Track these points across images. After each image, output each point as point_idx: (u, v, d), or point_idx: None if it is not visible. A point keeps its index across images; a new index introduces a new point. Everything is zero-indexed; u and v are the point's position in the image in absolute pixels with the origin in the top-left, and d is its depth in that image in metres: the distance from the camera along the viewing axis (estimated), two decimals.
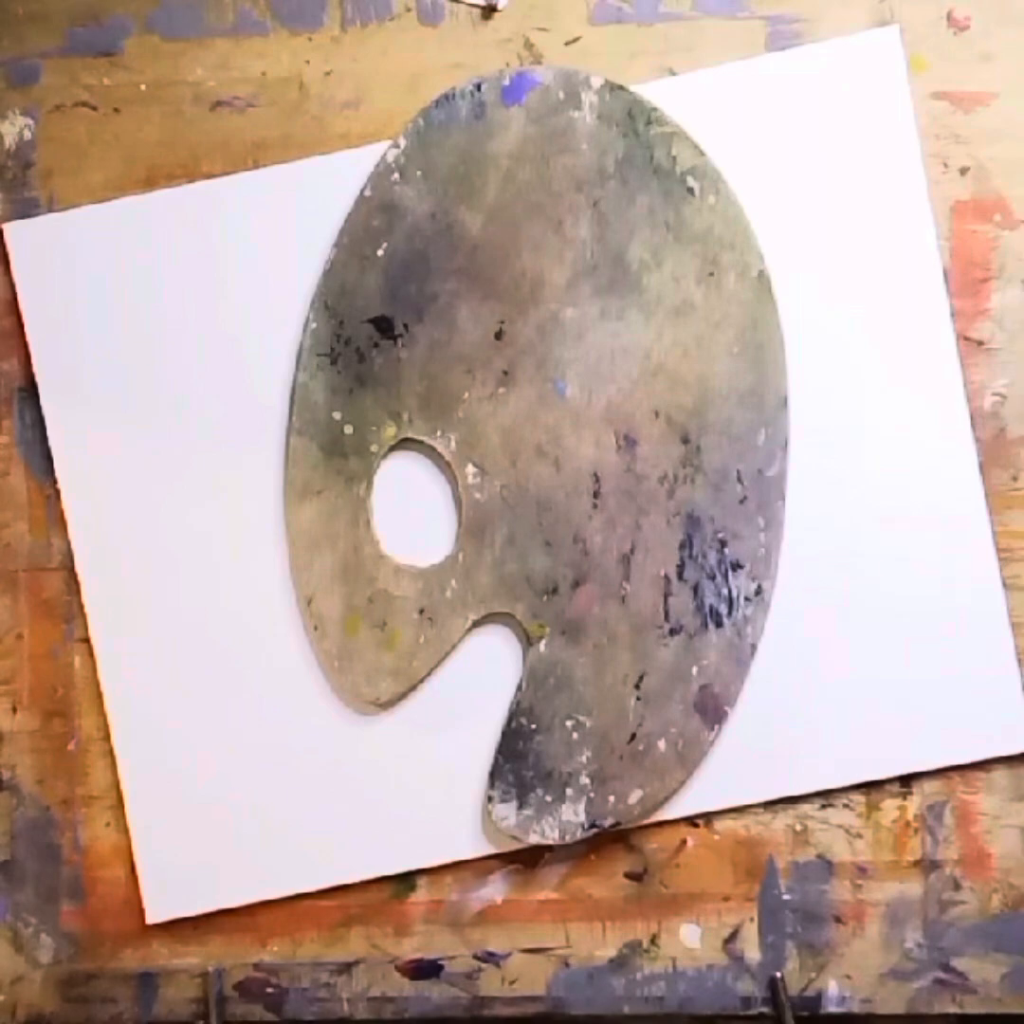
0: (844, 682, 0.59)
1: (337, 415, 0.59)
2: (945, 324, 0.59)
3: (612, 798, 0.58)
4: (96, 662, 0.60)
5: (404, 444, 0.60)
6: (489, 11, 0.60)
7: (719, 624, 0.58)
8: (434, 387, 0.59)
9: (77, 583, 0.60)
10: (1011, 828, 0.59)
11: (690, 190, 0.59)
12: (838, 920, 0.60)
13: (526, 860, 0.60)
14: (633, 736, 0.58)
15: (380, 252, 0.59)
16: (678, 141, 0.59)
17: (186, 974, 0.61)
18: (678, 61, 0.60)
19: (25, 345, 0.60)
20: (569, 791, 0.58)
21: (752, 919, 0.60)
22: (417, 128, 0.59)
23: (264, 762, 0.60)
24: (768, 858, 0.60)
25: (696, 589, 0.58)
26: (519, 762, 0.59)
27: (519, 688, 0.59)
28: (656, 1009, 0.60)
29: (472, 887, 0.60)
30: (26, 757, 0.61)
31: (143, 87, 0.61)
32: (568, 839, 0.58)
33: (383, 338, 0.59)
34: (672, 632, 0.58)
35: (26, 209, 0.61)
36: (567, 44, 0.60)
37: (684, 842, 0.60)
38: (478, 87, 0.59)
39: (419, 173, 0.59)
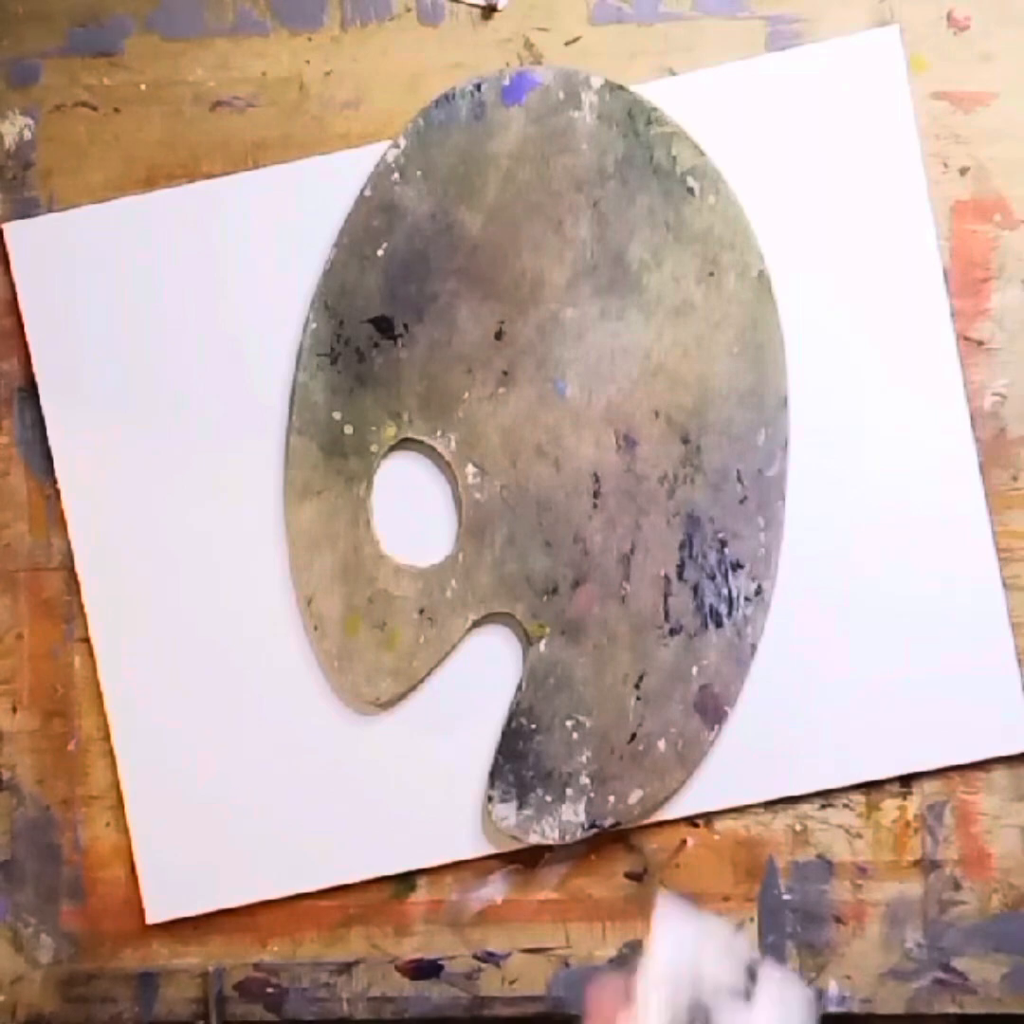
0: (844, 682, 0.59)
1: (337, 415, 0.59)
2: (945, 324, 0.59)
3: (612, 798, 0.58)
4: (96, 662, 0.60)
5: (404, 444, 0.60)
6: (489, 11, 0.60)
7: (719, 624, 0.58)
8: (434, 387, 0.59)
9: (77, 583, 0.60)
10: (1011, 828, 0.59)
11: (690, 190, 0.59)
12: (838, 920, 0.60)
13: (526, 860, 0.60)
14: (633, 736, 0.58)
15: (380, 252, 0.59)
16: (678, 141, 0.59)
17: (186, 974, 0.61)
18: (678, 61, 0.60)
19: (25, 345, 0.60)
20: (569, 791, 0.58)
21: (752, 919, 0.60)
22: (417, 128, 0.59)
23: (264, 762, 0.60)
24: (768, 858, 0.60)
25: (696, 589, 0.58)
26: (519, 762, 0.59)
27: (519, 688, 0.59)
28: None
29: (472, 887, 0.60)
30: (26, 757, 0.61)
31: (143, 87, 0.61)
32: (568, 839, 0.58)
33: (383, 338, 0.59)
34: (672, 632, 0.58)
35: (26, 209, 0.61)
36: (567, 44, 0.60)
37: (684, 842, 0.60)
38: (478, 87, 0.59)
39: (419, 173, 0.59)
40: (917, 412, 0.59)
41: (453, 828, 0.59)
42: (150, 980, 0.61)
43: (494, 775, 0.59)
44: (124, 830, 0.60)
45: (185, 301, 0.60)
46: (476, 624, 0.59)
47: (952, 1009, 0.60)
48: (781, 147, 0.60)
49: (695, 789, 0.59)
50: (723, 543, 0.58)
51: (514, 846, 0.59)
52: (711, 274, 0.59)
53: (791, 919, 0.60)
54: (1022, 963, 0.59)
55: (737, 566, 0.58)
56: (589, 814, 0.58)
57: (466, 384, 0.59)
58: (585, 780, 0.58)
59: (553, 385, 0.59)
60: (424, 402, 0.59)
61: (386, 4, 0.60)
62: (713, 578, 0.58)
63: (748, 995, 0.45)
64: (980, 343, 0.60)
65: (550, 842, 0.58)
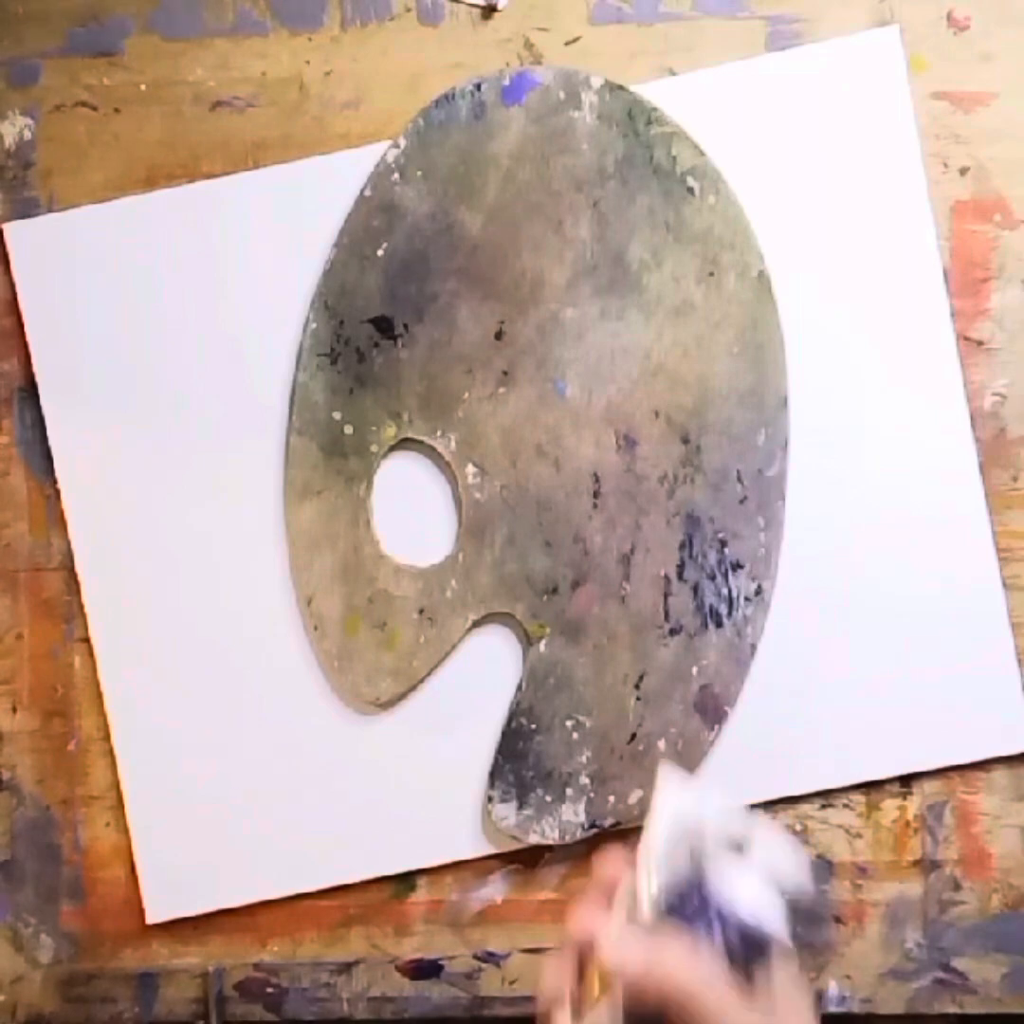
0: (844, 682, 0.59)
1: (337, 415, 0.59)
2: (945, 324, 0.59)
3: (612, 798, 0.58)
4: (96, 662, 0.60)
5: (404, 444, 0.60)
6: (489, 11, 0.60)
7: (719, 624, 0.58)
8: (434, 387, 0.59)
9: (77, 583, 0.60)
10: (1011, 828, 0.59)
11: (690, 190, 0.59)
12: (838, 920, 0.60)
13: (526, 860, 0.60)
14: (633, 736, 0.58)
15: (380, 252, 0.59)
16: (678, 141, 0.59)
17: (186, 974, 0.61)
18: (678, 61, 0.60)
19: (25, 345, 0.60)
20: (569, 791, 0.58)
21: None
22: (417, 128, 0.59)
23: (264, 762, 0.60)
24: None
25: (696, 589, 0.58)
26: (519, 762, 0.59)
27: (519, 688, 0.59)
28: None
29: (472, 887, 0.60)
30: (26, 757, 0.61)
31: (143, 87, 0.61)
32: (568, 839, 0.58)
33: (383, 338, 0.59)
34: (672, 632, 0.58)
35: (26, 209, 0.61)
36: (567, 44, 0.60)
37: None
38: (478, 87, 0.59)
39: (419, 173, 0.59)
40: (917, 412, 0.59)
41: (453, 828, 0.59)
42: (150, 980, 0.61)
43: (494, 775, 0.59)
44: (124, 830, 0.60)
45: (185, 301, 0.60)
46: (476, 624, 0.59)
47: (952, 1009, 0.60)
48: (781, 147, 0.60)
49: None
50: (723, 543, 0.58)
51: (514, 846, 0.59)
52: (711, 274, 0.59)
53: (791, 919, 0.60)
54: (1022, 963, 0.59)
55: (737, 566, 0.58)
56: (589, 814, 0.58)
57: (466, 384, 0.59)
58: (585, 780, 0.58)
59: (553, 385, 0.59)
60: (424, 402, 0.59)
61: (386, 4, 0.60)
62: (713, 578, 0.58)
63: (743, 853, 0.46)
64: (980, 343, 0.60)
65: (550, 842, 0.58)
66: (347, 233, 0.59)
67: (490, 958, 0.60)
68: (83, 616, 0.60)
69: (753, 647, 0.59)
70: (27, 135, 0.61)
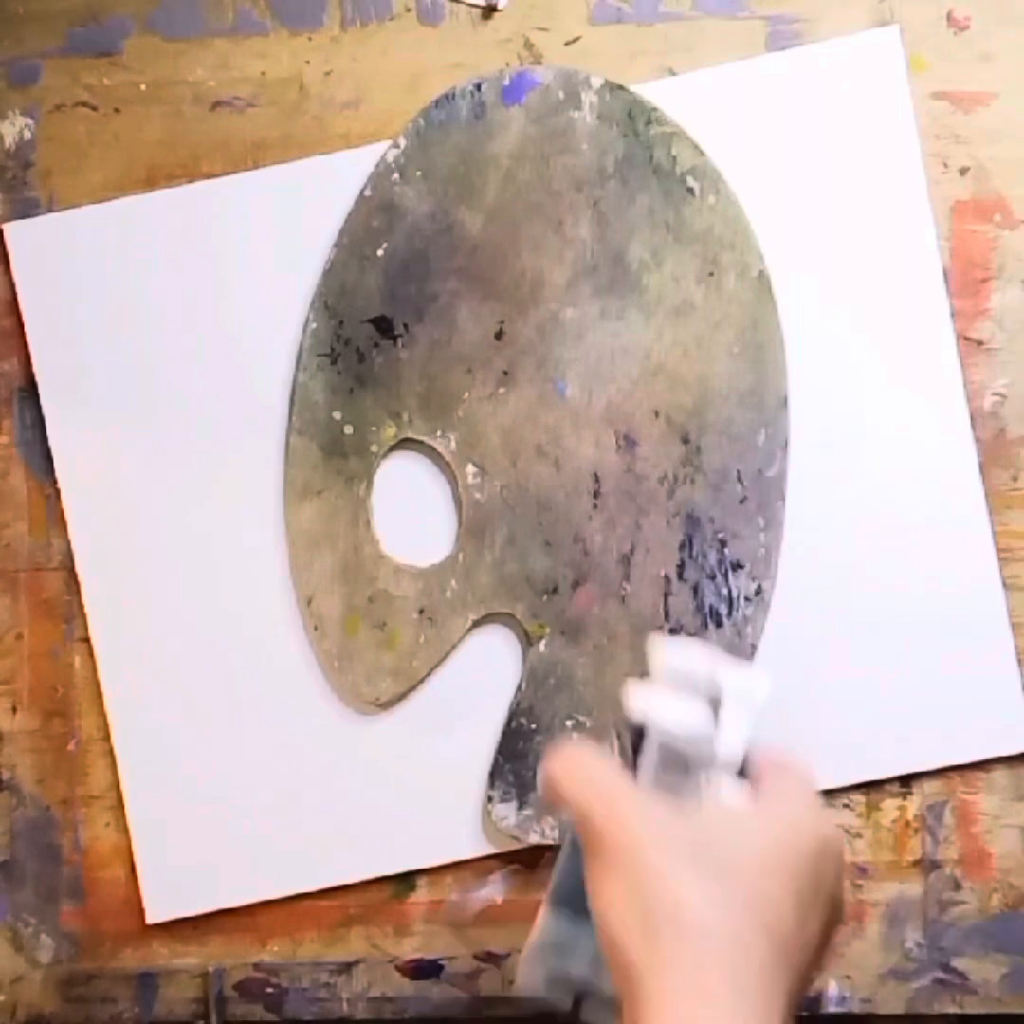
0: (844, 682, 0.59)
1: (337, 415, 0.59)
2: (945, 324, 0.59)
3: None
4: (96, 662, 0.60)
5: (404, 444, 0.60)
6: (489, 11, 0.60)
7: (719, 624, 0.58)
8: (434, 387, 0.59)
9: (77, 583, 0.60)
10: (1011, 828, 0.59)
11: (690, 190, 0.59)
12: None
13: (526, 860, 0.60)
14: None
15: (380, 252, 0.59)
16: (678, 141, 0.59)
17: (186, 974, 0.61)
18: (678, 61, 0.60)
19: (25, 345, 0.60)
20: None
21: None
22: (417, 128, 0.59)
23: (264, 762, 0.60)
24: None
25: (696, 589, 0.58)
26: (519, 762, 0.59)
27: (519, 688, 0.59)
28: None
29: (472, 887, 0.60)
30: (26, 757, 0.61)
31: (143, 87, 0.61)
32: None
33: (383, 338, 0.59)
34: (672, 632, 0.58)
35: (26, 209, 0.61)
36: (567, 44, 0.60)
37: None
38: (478, 87, 0.59)
39: (419, 173, 0.59)
40: (917, 412, 0.59)
41: (453, 828, 0.59)
42: (150, 980, 0.61)
43: (494, 775, 0.59)
44: (124, 830, 0.60)
45: (185, 301, 0.60)
46: (476, 624, 0.59)
47: (952, 1009, 0.60)
48: (781, 147, 0.60)
49: None
50: (723, 543, 0.58)
51: (514, 846, 0.59)
52: (711, 274, 0.59)
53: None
54: (1022, 963, 0.59)
55: (737, 566, 0.58)
56: None
57: (466, 384, 0.59)
58: None
59: (553, 385, 0.59)
60: (424, 402, 0.59)
61: (386, 4, 0.60)
62: (713, 578, 0.58)
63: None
64: (980, 343, 0.60)
65: (550, 842, 0.58)
66: (347, 233, 0.59)
67: (490, 958, 0.60)
68: (83, 616, 0.60)
69: (753, 647, 0.59)
70: (27, 135, 0.61)
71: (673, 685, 0.47)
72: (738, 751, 0.46)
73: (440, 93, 0.59)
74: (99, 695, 0.60)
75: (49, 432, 0.60)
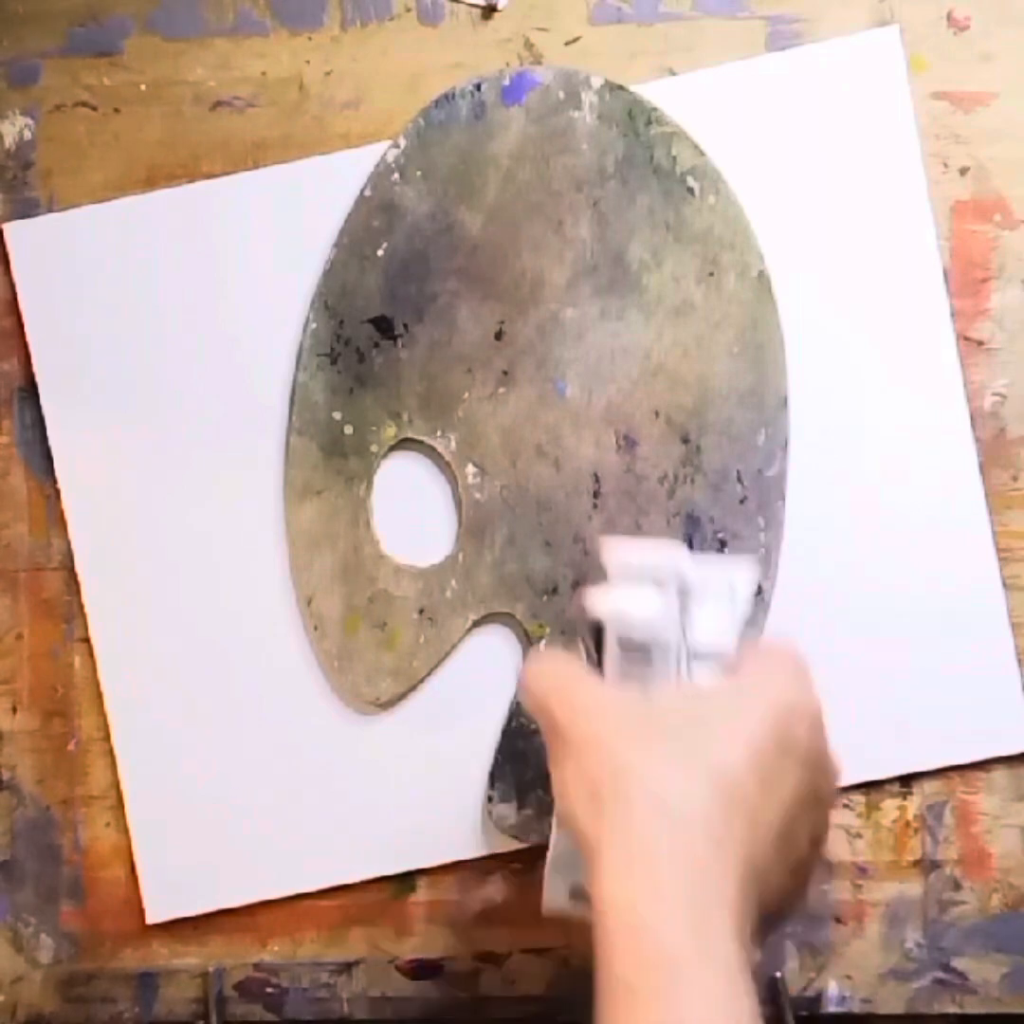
0: (844, 682, 0.59)
1: (337, 415, 0.59)
2: (945, 324, 0.59)
3: None
4: (96, 662, 0.60)
5: (404, 444, 0.60)
6: (489, 11, 0.60)
7: None
8: (434, 387, 0.59)
9: (77, 583, 0.60)
10: (1011, 828, 0.59)
11: (690, 190, 0.59)
12: (838, 920, 0.60)
13: (526, 860, 0.60)
14: None
15: (380, 252, 0.59)
16: (678, 141, 0.59)
17: (186, 974, 0.61)
18: (678, 61, 0.60)
19: (25, 345, 0.60)
20: None
21: None
22: (417, 128, 0.59)
23: (264, 762, 0.60)
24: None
25: None
26: (519, 762, 0.59)
27: (519, 688, 0.59)
28: None
29: (472, 887, 0.60)
30: (26, 757, 0.61)
31: (143, 87, 0.61)
32: None
33: (383, 338, 0.59)
34: None
35: (26, 209, 0.61)
36: (567, 44, 0.60)
37: None
38: (478, 87, 0.59)
39: (419, 173, 0.59)
40: (917, 412, 0.59)
41: (453, 828, 0.59)
42: (150, 980, 0.61)
43: (494, 775, 0.59)
44: (124, 830, 0.60)
45: (185, 301, 0.60)
46: (476, 624, 0.59)
47: (952, 1009, 0.60)
48: (781, 147, 0.60)
49: None
50: (723, 543, 0.58)
51: (514, 846, 0.59)
52: (711, 274, 0.59)
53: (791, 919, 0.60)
54: (1022, 963, 0.59)
55: None
56: None
57: (466, 384, 0.59)
58: None
59: (553, 385, 0.59)
60: (424, 402, 0.59)
61: (386, 4, 0.60)
62: None
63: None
64: (980, 343, 0.60)
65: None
66: (347, 233, 0.59)
67: (490, 958, 0.60)
68: (83, 616, 0.60)
69: None
70: (27, 135, 0.61)
71: (628, 580, 0.47)
72: (714, 640, 0.47)
73: (440, 93, 0.59)
74: (99, 695, 0.60)
75: (49, 432, 0.60)
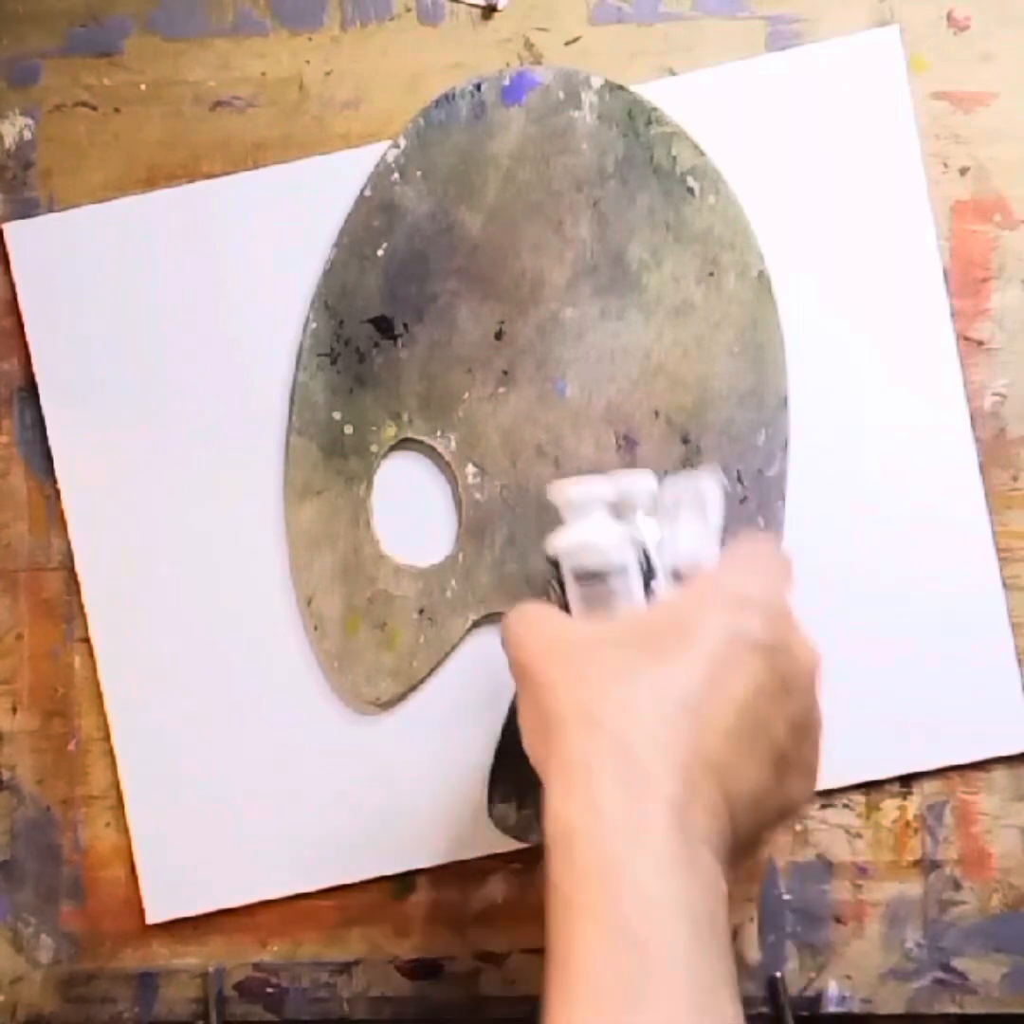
0: (844, 682, 0.59)
1: (337, 415, 0.59)
2: (945, 324, 0.59)
3: None
4: (96, 662, 0.60)
5: (404, 444, 0.60)
6: (489, 11, 0.60)
7: None
8: (434, 387, 0.59)
9: (77, 583, 0.60)
10: (1011, 828, 0.59)
11: (690, 190, 0.59)
12: (838, 920, 0.60)
13: (526, 860, 0.60)
14: None
15: (380, 252, 0.59)
16: (678, 141, 0.59)
17: (186, 974, 0.61)
18: (678, 61, 0.60)
19: (25, 345, 0.60)
20: None
21: (752, 919, 0.60)
22: (417, 128, 0.59)
23: (264, 762, 0.60)
24: (768, 858, 0.60)
25: None
26: (519, 762, 0.58)
27: None
28: None
29: (472, 887, 0.60)
30: (26, 757, 0.61)
31: (143, 87, 0.61)
32: None
33: (383, 338, 0.59)
34: None
35: (26, 209, 0.61)
36: (567, 44, 0.60)
37: None
38: (478, 87, 0.59)
39: (419, 173, 0.59)
40: (917, 412, 0.59)
41: (453, 828, 0.59)
42: (150, 980, 0.61)
43: (494, 775, 0.59)
44: (124, 830, 0.60)
45: (185, 301, 0.60)
46: (476, 624, 0.59)
47: (952, 1009, 0.60)
48: (781, 147, 0.60)
49: None
50: (723, 543, 0.58)
51: (514, 846, 0.59)
52: (711, 274, 0.59)
53: (791, 919, 0.60)
54: (1022, 963, 0.59)
55: None
56: None
57: (466, 384, 0.59)
58: None
59: (553, 385, 0.59)
60: (424, 402, 0.59)
61: (386, 4, 0.61)
62: None
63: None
64: (980, 343, 0.60)
65: None
66: (347, 233, 0.59)
67: (490, 958, 0.60)
68: (83, 616, 0.60)
69: None
70: (27, 135, 0.61)
71: (577, 515, 0.48)
72: (692, 551, 0.48)
73: (440, 93, 0.59)
74: (99, 695, 0.60)
75: (49, 432, 0.60)
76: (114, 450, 0.60)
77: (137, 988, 0.61)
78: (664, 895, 0.38)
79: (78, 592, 0.60)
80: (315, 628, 0.59)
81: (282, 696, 0.60)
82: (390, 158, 0.59)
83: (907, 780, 0.59)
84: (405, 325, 0.59)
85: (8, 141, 0.61)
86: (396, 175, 0.59)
